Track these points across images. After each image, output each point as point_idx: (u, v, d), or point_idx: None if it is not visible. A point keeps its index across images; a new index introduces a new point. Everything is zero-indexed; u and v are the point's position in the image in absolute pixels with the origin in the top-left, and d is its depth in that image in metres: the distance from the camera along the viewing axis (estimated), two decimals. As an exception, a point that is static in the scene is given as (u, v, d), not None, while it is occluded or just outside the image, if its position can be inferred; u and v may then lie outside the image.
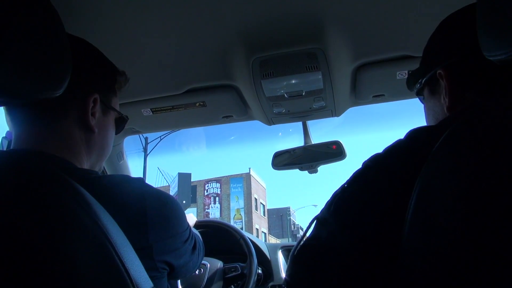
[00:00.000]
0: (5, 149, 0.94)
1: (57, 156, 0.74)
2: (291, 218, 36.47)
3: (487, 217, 0.44)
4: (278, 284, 1.70)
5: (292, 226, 36.38)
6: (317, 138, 1.64)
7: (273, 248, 1.84)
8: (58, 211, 0.57)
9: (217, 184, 30.28)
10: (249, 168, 30.25)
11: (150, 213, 0.74)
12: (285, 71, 1.18)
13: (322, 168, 1.60)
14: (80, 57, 0.77)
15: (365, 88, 1.37)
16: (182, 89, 1.35)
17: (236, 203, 29.31)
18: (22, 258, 0.53)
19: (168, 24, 1.03)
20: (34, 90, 0.61)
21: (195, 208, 28.28)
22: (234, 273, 1.57)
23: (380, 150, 0.68)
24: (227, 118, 1.55)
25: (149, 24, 1.03)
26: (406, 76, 1.27)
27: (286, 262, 1.77)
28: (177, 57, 1.19)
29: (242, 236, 1.64)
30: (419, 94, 0.85)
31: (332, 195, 0.69)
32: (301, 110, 1.42)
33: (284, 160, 1.64)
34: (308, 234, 0.70)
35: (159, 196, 0.80)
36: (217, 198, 29.88)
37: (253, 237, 1.80)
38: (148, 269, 0.69)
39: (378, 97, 1.44)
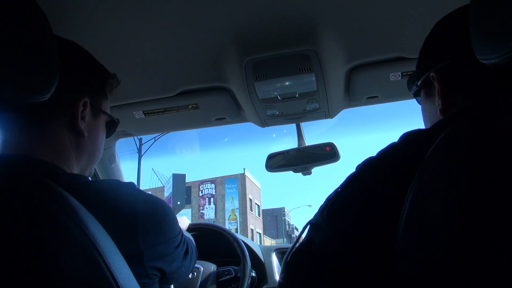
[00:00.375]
0: None
1: (45, 161, 0.73)
2: (286, 218, 36.52)
3: (481, 222, 0.44)
4: (272, 287, 1.69)
5: (287, 226, 36.43)
6: (311, 139, 1.63)
7: (267, 250, 1.83)
8: (43, 219, 0.55)
9: (212, 185, 30.27)
10: (244, 169, 30.29)
11: (140, 219, 0.73)
12: (278, 73, 1.17)
13: (316, 168, 1.60)
14: (69, 60, 0.76)
15: (359, 89, 1.36)
16: (174, 91, 1.34)
17: (231, 204, 29.31)
18: (5, 267, 0.52)
19: (160, 26, 1.02)
20: (20, 94, 0.60)
21: (190, 209, 28.25)
22: (227, 277, 1.56)
23: (374, 151, 0.68)
24: (220, 120, 1.55)
25: (141, 26, 1.02)
26: (400, 77, 1.27)
27: (280, 265, 1.76)
28: (169, 59, 1.18)
29: (236, 239, 1.63)
30: (416, 96, 0.85)
31: (326, 200, 0.68)
32: (295, 112, 1.42)
33: (278, 161, 1.63)
34: (301, 239, 0.70)
35: (149, 202, 0.78)
36: (211, 199, 29.86)
37: (247, 239, 1.79)
38: (138, 276, 0.68)
39: (372, 99, 1.44)
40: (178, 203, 12.77)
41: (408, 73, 1.25)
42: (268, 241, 29.81)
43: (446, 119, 0.67)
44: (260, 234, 30.88)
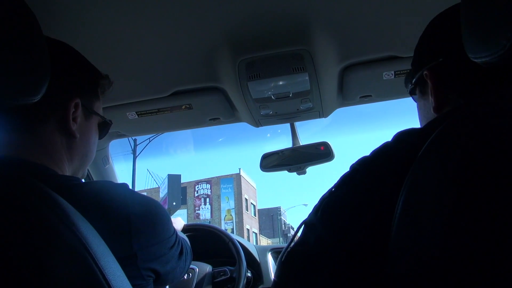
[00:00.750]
0: None
1: (36, 162, 0.72)
2: (282, 217, 36.54)
3: (474, 221, 0.44)
4: (268, 287, 1.69)
5: (283, 225, 36.46)
6: (305, 139, 1.63)
7: (263, 250, 1.83)
8: (33, 222, 0.55)
9: (207, 185, 30.21)
10: (239, 169, 30.26)
11: (133, 220, 0.73)
12: (272, 72, 1.17)
13: (311, 167, 1.60)
14: (60, 61, 0.75)
15: (352, 89, 1.37)
16: (167, 92, 1.34)
17: (227, 204, 29.27)
18: None
19: (152, 26, 1.02)
20: (10, 96, 0.59)
21: (186, 210, 28.18)
22: (223, 277, 1.55)
23: (368, 150, 0.68)
24: (214, 120, 1.54)
25: (133, 27, 1.01)
26: (393, 76, 1.28)
27: (276, 265, 1.76)
28: (162, 59, 1.17)
29: (231, 239, 1.62)
30: (412, 94, 0.85)
31: (320, 199, 0.68)
32: (289, 112, 1.42)
33: (272, 161, 1.63)
34: (296, 239, 0.69)
35: (143, 202, 0.78)
36: (207, 199, 29.80)
37: (242, 239, 1.79)
38: (132, 277, 0.68)
39: (365, 98, 1.44)
40: (174, 203, 12.73)
41: (401, 72, 1.25)
42: (264, 241, 29.82)
43: (438, 118, 0.67)
44: (256, 233, 30.86)
